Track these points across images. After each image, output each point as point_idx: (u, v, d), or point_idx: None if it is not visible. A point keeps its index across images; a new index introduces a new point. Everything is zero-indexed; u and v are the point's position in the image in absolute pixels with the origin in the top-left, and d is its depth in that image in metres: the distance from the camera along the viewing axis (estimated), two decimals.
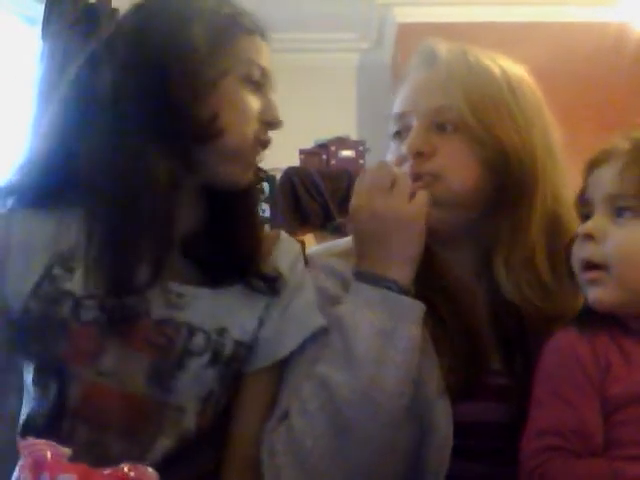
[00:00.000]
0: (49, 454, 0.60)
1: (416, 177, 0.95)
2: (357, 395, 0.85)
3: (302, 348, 0.93)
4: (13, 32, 3.04)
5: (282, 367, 0.94)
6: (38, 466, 0.59)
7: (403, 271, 0.90)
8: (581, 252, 0.89)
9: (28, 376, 0.90)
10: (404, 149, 0.98)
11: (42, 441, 0.62)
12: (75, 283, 0.88)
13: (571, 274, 0.93)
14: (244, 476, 0.91)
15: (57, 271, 0.89)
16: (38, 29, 2.81)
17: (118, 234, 0.87)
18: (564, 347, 0.89)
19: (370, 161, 3.14)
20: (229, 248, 0.94)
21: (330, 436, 0.85)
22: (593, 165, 0.93)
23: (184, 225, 0.92)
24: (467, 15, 3.36)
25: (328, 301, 0.95)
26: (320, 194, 3.08)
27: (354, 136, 3.55)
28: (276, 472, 0.87)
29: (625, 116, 3.55)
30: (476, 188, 0.97)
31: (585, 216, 0.92)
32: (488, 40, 3.73)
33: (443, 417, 0.91)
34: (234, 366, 0.91)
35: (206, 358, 0.89)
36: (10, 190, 0.92)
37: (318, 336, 0.93)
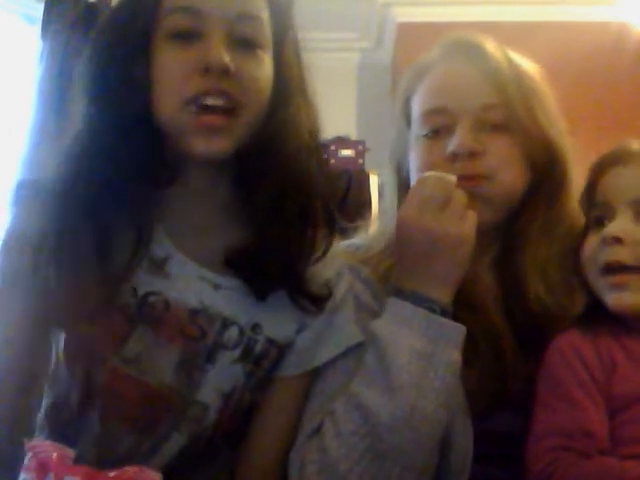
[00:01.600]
0: (55, 455, 0.60)
1: (469, 178, 0.93)
2: (397, 422, 0.82)
3: (335, 361, 0.90)
4: (13, 31, 3.04)
5: (313, 378, 0.91)
6: (44, 467, 0.59)
7: (445, 292, 0.87)
8: (607, 255, 0.88)
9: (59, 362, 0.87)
10: (451, 148, 0.94)
11: (48, 442, 0.62)
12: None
13: (579, 277, 0.93)
14: (269, 473, 0.89)
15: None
16: (38, 28, 2.80)
17: (98, 216, 0.83)
18: (567, 348, 0.89)
19: (370, 161, 3.13)
20: (273, 262, 0.86)
21: (366, 461, 0.83)
22: (607, 166, 0.92)
23: (228, 238, 0.87)
24: (467, 15, 3.35)
25: (362, 309, 0.93)
26: None
27: (354, 136, 3.55)
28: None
29: (625, 116, 3.56)
30: (524, 187, 0.97)
31: (597, 218, 0.91)
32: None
33: (464, 434, 0.90)
34: (263, 365, 0.88)
35: (237, 353, 0.87)
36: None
37: (353, 350, 0.89)
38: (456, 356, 0.85)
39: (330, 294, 0.89)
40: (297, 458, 0.87)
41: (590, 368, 0.87)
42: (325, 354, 0.90)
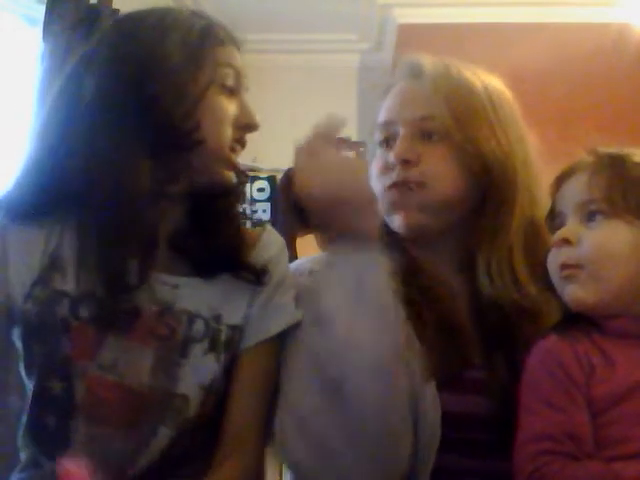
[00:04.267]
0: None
1: (402, 184, 1.02)
2: (336, 352, 0.86)
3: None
4: (14, 32, 3.04)
5: (279, 353, 0.97)
6: None
7: (362, 224, 0.91)
8: (558, 257, 0.95)
9: (31, 379, 0.91)
10: (391, 157, 1.04)
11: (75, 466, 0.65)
12: (69, 284, 0.90)
13: (548, 284, 0.98)
14: (237, 452, 0.93)
15: (51, 274, 0.91)
16: (39, 29, 2.81)
17: (108, 239, 0.90)
18: (546, 354, 0.92)
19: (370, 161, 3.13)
20: (215, 242, 0.98)
21: (324, 401, 0.87)
22: (560, 181, 1.00)
23: (171, 222, 0.97)
24: (468, 16, 3.36)
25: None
26: None
27: (354, 137, 3.54)
28: (290, 456, 0.90)
29: (625, 116, 3.56)
30: (459, 195, 1.04)
31: (557, 228, 0.98)
32: (488, 41, 3.76)
33: (431, 403, 0.93)
34: (231, 350, 0.95)
35: (206, 344, 0.93)
36: (5, 204, 0.95)
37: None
38: (380, 280, 0.89)
39: (267, 267, 0.99)
40: (277, 418, 0.92)
41: (570, 372, 0.89)
42: (274, 328, 0.96)
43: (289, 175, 3.43)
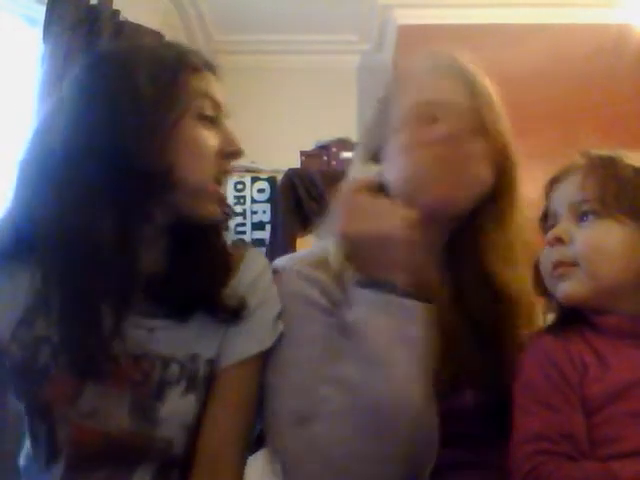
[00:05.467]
0: None
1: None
2: (383, 395, 0.86)
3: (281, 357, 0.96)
4: (14, 33, 3.04)
5: (260, 372, 0.96)
6: None
7: (399, 276, 0.93)
8: (551, 256, 0.98)
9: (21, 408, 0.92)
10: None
11: None
12: (51, 329, 0.88)
13: (539, 285, 1.01)
14: (212, 474, 0.92)
15: (34, 316, 0.90)
16: (39, 30, 2.81)
17: (76, 290, 0.87)
18: (540, 354, 0.94)
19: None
20: (190, 283, 0.95)
21: (358, 438, 0.86)
22: (553, 183, 1.04)
23: (147, 265, 0.93)
24: (468, 17, 3.36)
25: (312, 307, 0.99)
26: (321, 195, 3.08)
27: (355, 137, 3.55)
28: (303, 475, 0.88)
29: (625, 117, 3.55)
30: (490, 187, 1.06)
31: (550, 228, 1.01)
32: (489, 42, 3.75)
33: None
34: (210, 384, 0.94)
35: (183, 385, 0.92)
36: None
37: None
38: (417, 331, 0.90)
39: (244, 304, 0.97)
40: (281, 446, 0.91)
41: (564, 372, 0.90)
42: (254, 347, 0.96)
43: (289, 176, 3.43)
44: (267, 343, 0.96)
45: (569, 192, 0.99)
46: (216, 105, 0.95)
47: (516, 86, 3.39)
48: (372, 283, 0.93)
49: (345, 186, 0.98)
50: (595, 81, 3.27)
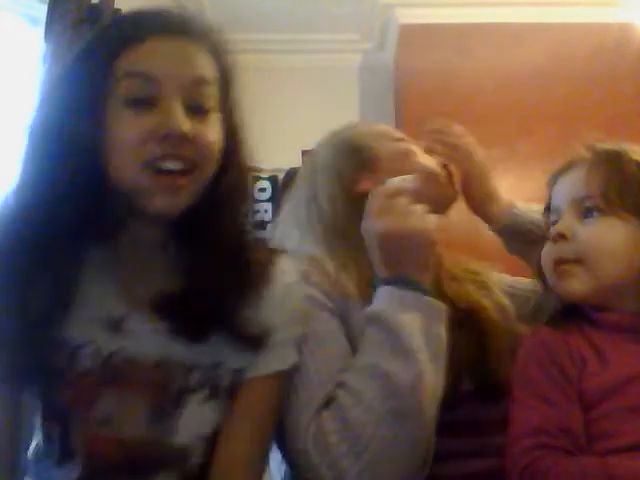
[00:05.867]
0: None
1: None
2: (415, 381, 0.89)
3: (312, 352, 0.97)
4: (16, 32, 3.04)
5: (281, 389, 0.94)
6: None
7: (424, 277, 0.98)
8: (553, 252, 0.98)
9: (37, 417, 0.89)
10: None
11: None
12: (70, 329, 0.86)
13: (543, 281, 1.02)
14: (232, 477, 0.90)
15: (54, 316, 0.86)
16: (41, 29, 2.81)
17: (29, 278, 0.83)
18: (539, 347, 0.95)
19: None
20: (204, 303, 0.89)
21: (388, 424, 0.88)
22: (557, 176, 1.03)
23: (157, 280, 0.89)
24: (470, 16, 3.35)
25: (320, 308, 1.00)
26: None
27: None
28: (332, 461, 0.88)
29: (627, 117, 3.55)
30: None
31: (552, 224, 1.01)
32: (490, 41, 3.74)
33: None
34: (232, 396, 0.91)
35: (204, 393, 0.89)
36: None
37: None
38: (444, 331, 0.95)
39: (267, 334, 0.91)
40: (308, 433, 0.90)
41: (562, 366, 0.91)
42: (276, 364, 0.93)
43: (291, 175, 3.43)
44: (290, 361, 0.94)
45: (572, 187, 0.98)
46: (150, 82, 0.82)
47: (517, 85, 3.40)
48: (400, 281, 0.97)
49: (381, 189, 1.02)
50: (596, 80, 3.26)
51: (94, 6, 2.86)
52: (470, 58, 3.29)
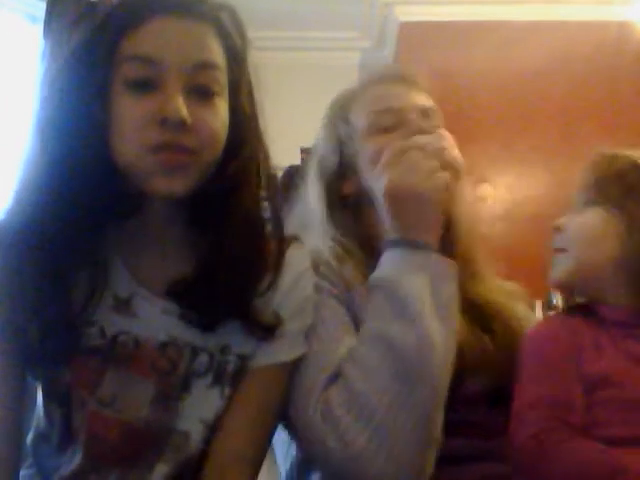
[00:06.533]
0: None
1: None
2: (422, 344, 0.88)
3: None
4: (15, 30, 3.04)
5: (285, 380, 0.93)
6: None
7: (434, 237, 0.97)
8: (552, 244, 1.04)
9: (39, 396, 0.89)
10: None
11: None
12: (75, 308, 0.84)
13: None
14: (228, 468, 0.88)
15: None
16: (40, 27, 2.81)
17: (49, 263, 0.82)
18: (549, 328, 1.01)
19: None
20: (217, 289, 0.87)
21: (395, 389, 0.87)
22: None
23: (181, 269, 0.87)
24: (468, 14, 3.35)
25: (326, 294, 0.99)
26: None
27: None
28: (339, 433, 0.87)
29: (626, 115, 3.55)
30: None
31: None
32: (489, 39, 3.74)
33: None
34: (237, 382, 0.90)
35: (210, 378, 0.88)
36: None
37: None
38: (454, 287, 0.95)
39: (280, 322, 0.90)
40: (317, 407, 0.89)
41: (566, 347, 0.95)
42: (283, 355, 0.91)
43: (290, 172, 3.42)
44: (297, 352, 0.92)
45: (579, 184, 1.04)
46: (151, 65, 0.80)
47: (516, 83, 3.40)
48: (408, 242, 0.96)
49: (395, 144, 1.00)
50: (595, 78, 3.27)
51: (93, 4, 2.86)
52: (469, 56, 3.29)
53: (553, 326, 1.00)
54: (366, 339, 0.92)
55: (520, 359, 0.97)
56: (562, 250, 1.01)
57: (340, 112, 1.18)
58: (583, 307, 1.01)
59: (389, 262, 0.97)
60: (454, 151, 1.03)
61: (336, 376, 0.91)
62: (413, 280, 0.93)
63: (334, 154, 1.15)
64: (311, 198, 1.18)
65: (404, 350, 0.88)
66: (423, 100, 1.12)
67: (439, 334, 0.89)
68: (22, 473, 0.91)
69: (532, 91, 3.17)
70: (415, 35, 3.40)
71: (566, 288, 1.03)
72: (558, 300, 1.13)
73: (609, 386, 0.90)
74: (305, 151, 3.49)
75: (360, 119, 1.13)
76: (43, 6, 2.81)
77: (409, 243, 0.96)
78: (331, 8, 3.59)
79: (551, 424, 0.88)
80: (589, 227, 0.99)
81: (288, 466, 1.05)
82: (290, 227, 1.07)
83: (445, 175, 0.98)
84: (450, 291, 0.94)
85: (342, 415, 0.87)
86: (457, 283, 0.95)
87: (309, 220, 1.15)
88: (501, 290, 1.12)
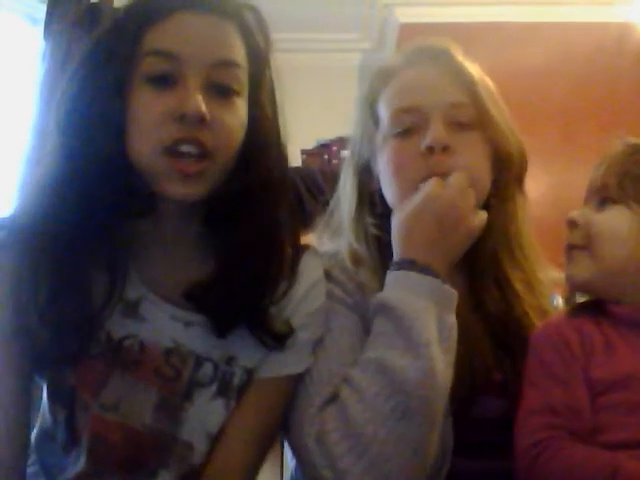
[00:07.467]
0: None
1: (443, 174, 0.96)
2: (423, 378, 0.85)
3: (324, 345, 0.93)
4: (15, 31, 3.04)
5: (287, 393, 0.91)
6: None
7: (444, 267, 0.93)
8: (566, 239, 0.99)
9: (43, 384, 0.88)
10: (427, 142, 0.96)
11: None
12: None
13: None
14: (226, 477, 0.87)
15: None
16: (40, 28, 2.81)
17: (68, 264, 0.82)
18: (554, 332, 0.96)
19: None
20: (233, 294, 0.86)
21: (393, 422, 0.84)
22: (593, 170, 1.02)
23: (194, 274, 0.86)
24: (469, 15, 3.35)
25: (338, 303, 0.97)
26: (322, 194, 3.08)
27: None
28: (332, 461, 0.85)
29: (626, 116, 3.55)
30: (490, 183, 1.02)
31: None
32: (490, 40, 3.74)
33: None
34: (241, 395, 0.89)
35: (214, 388, 0.87)
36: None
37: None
38: (454, 319, 0.91)
39: (292, 331, 0.89)
40: (311, 430, 0.87)
41: (573, 351, 0.92)
42: (288, 368, 0.90)
43: (290, 174, 3.43)
44: (303, 365, 0.91)
45: (594, 179, 1.00)
46: (172, 60, 0.79)
47: (516, 84, 3.39)
48: (416, 267, 0.92)
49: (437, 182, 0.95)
50: (596, 80, 3.27)
51: (93, 5, 2.86)
52: (469, 57, 3.29)
53: (559, 329, 0.96)
54: (367, 367, 0.88)
55: (525, 366, 0.96)
56: (581, 247, 0.97)
57: (371, 98, 1.10)
58: (587, 307, 0.99)
59: (394, 283, 0.93)
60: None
61: (334, 397, 0.89)
62: (418, 305, 0.89)
63: (364, 147, 1.09)
64: (347, 190, 1.11)
65: (406, 383, 0.85)
66: (452, 92, 1.01)
67: (441, 368, 0.86)
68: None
69: (532, 92, 3.17)
70: (415, 36, 3.38)
71: (589, 288, 0.98)
72: (558, 300, 1.12)
73: (622, 388, 0.87)
74: (305, 153, 3.51)
75: (384, 115, 1.05)
76: (43, 7, 2.81)
77: (420, 268, 0.92)
78: (331, 10, 3.59)
79: (552, 432, 0.87)
80: (614, 226, 0.95)
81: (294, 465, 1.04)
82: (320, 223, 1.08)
83: (484, 216, 0.96)
84: (452, 322, 0.91)
85: (336, 442, 0.85)
86: (454, 311, 0.92)
87: (339, 218, 1.11)
88: (539, 310, 1.05)
